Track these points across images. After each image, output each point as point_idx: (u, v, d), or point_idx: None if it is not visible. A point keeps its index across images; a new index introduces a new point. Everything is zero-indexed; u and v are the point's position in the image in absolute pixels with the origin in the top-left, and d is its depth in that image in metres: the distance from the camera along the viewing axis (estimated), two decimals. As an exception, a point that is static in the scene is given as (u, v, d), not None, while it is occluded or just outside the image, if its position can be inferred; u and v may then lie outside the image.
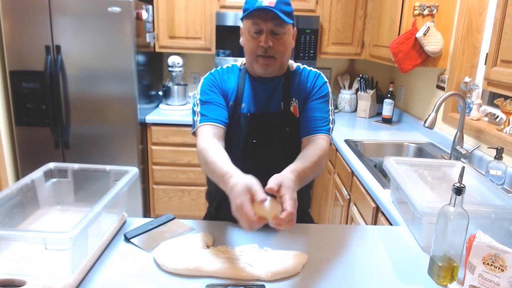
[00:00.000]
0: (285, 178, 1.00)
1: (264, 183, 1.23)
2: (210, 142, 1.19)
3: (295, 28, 1.32)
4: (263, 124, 1.32)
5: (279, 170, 1.25)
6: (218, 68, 1.39)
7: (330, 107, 1.35)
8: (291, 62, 1.38)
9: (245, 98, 1.33)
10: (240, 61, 1.40)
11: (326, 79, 1.37)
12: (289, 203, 0.94)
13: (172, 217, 1.28)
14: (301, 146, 1.29)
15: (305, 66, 1.39)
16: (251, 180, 0.97)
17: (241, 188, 0.95)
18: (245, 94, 1.33)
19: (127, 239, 1.15)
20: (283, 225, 0.94)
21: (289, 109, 1.32)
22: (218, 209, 1.43)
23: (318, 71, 1.38)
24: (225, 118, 1.29)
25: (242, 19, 1.26)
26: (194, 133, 1.30)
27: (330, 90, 1.37)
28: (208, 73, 1.38)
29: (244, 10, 1.24)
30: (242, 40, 1.31)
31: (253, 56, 1.26)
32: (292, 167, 1.09)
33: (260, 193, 0.94)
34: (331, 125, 1.32)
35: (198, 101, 1.31)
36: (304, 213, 1.46)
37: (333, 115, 1.35)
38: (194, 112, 1.32)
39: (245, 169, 1.21)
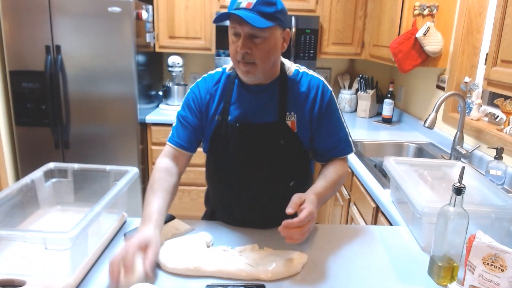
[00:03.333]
0: (307, 196, 1.09)
1: (258, 198, 1.26)
2: (163, 169, 1.24)
3: (287, 30, 1.19)
4: (255, 136, 1.23)
5: (274, 183, 1.27)
6: (208, 75, 1.31)
7: (342, 118, 1.30)
8: (289, 64, 1.27)
9: (234, 107, 1.24)
10: (230, 64, 1.28)
11: (330, 87, 1.28)
12: (303, 212, 1.01)
13: (172, 217, 1.28)
14: (324, 164, 1.31)
15: (305, 70, 1.27)
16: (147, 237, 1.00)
17: (139, 236, 1.00)
18: (234, 103, 1.24)
19: (127, 239, 1.15)
20: (293, 235, 1.02)
21: (284, 121, 1.22)
22: (215, 210, 1.41)
23: (320, 78, 1.27)
24: (191, 142, 1.28)
25: (214, 21, 1.16)
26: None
27: (335, 97, 1.29)
28: (195, 83, 1.32)
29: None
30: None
31: (234, 61, 1.18)
32: (314, 190, 1.15)
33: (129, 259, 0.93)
34: (350, 139, 1.31)
35: (177, 113, 1.32)
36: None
37: (346, 124, 1.31)
38: (173, 122, 1.33)
39: (239, 182, 1.25)
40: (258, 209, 1.27)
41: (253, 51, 1.12)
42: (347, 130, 1.31)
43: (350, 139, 1.31)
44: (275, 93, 1.23)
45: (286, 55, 3.01)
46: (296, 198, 1.05)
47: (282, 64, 1.26)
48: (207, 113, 1.26)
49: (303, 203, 1.05)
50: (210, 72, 1.32)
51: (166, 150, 1.30)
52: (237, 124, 1.22)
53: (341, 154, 1.29)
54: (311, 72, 1.28)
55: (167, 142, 1.30)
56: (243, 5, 1.09)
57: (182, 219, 1.29)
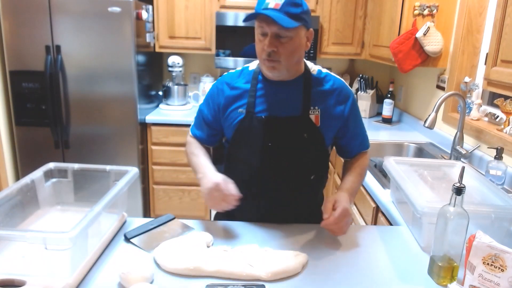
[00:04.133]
0: (339, 195, 1.19)
1: (279, 191, 1.32)
2: (191, 140, 1.42)
3: (311, 30, 1.23)
4: (279, 128, 1.27)
5: (296, 175, 1.32)
6: (228, 73, 1.36)
7: (360, 115, 1.40)
8: (311, 65, 1.33)
9: (259, 101, 1.29)
10: (253, 64, 1.36)
11: (350, 88, 1.37)
12: (337, 211, 1.12)
13: (172, 217, 1.28)
14: (350, 159, 1.42)
15: (327, 71, 1.34)
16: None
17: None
18: (259, 97, 1.29)
19: (127, 239, 1.15)
20: (336, 230, 1.16)
21: (308, 115, 1.26)
22: (229, 211, 1.41)
23: (342, 79, 1.35)
24: (209, 138, 1.41)
25: (243, 21, 1.23)
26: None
27: (355, 96, 1.37)
28: (220, 78, 1.38)
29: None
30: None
31: (260, 58, 1.23)
32: (345, 186, 1.29)
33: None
34: (366, 134, 1.43)
35: (199, 105, 1.42)
36: (318, 210, 1.45)
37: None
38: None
39: (262, 174, 1.31)
40: (279, 203, 1.33)
41: (279, 50, 1.17)
42: (364, 126, 1.43)
43: (366, 134, 1.44)
44: (299, 88, 1.28)
45: (286, 55, 3.01)
46: (328, 203, 1.16)
47: (305, 64, 1.32)
48: (227, 108, 1.32)
49: (335, 203, 1.15)
50: (230, 71, 1.38)
51: (188, 135, 1.45)
52: (263, 117, 1.27)
53: (363, 149, 1.43)
54: (333, 73, 1.36)
55: (190, 133, 1.45)
56: (271, 5, 1.13)
57: (182, 219, 1.29)
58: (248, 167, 1.31)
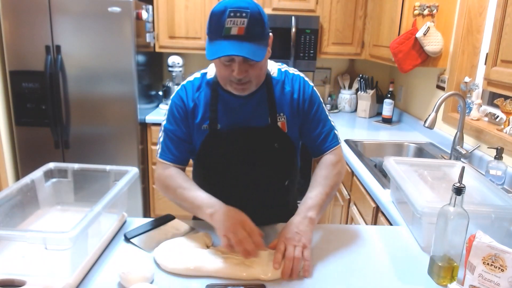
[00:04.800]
0: (294, 226, 1.08)
1: (253, 200, 1.25)
2: (173, 171, 1.22)
3: (271, 35, 1.12)
4: (247, 141, 1.22)
5: (270, 184, 1.27)
6: (187, 83, 1.25)
7: (326, 112, 1.28)
8: (271, 64, 1.25)
9: (221, 115, 1.20)
10: (211, 69, 1.24)
11: (311, 83, 1.27)
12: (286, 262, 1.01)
13: (172, 217, 1.28)
14: (316, 166, 1.28)
15: (286, 69, 1.26)
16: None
17: (235, 210, 1.06)
18: (221, 111, 1.21)
19: (127, 239, 1.15)
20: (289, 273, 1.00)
21: (276, 123, 1.21)
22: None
23: (301, 75, 1.27)
24: (184, 157, 1.26)
25: (207, 53, 1.05)
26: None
27: (318, 93, 1.28)
28: (178, 90, 1.26)
29: (209, 36, 1.05)
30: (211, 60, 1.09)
31: (225, 81, 1.12)
32: (310, 203, 1.14)
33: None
34: (335, 131, 1.29)
35: (162, 127, 1.26)
36: (294, 206, 1.42)
37: (330, 116, 1.30)
38: (159, 138, 1.27)
39: (233, 192, 1.22)
40: (255, 211, 1.22)
41: (249, 73, 1.09)
42: (332, 123, 1.30)
43: (336, 132, 1.30)
44: (263, 97, 1.21)
45: (286, 55, 3.01)
46: (278, 253, 1.03)
47: None
48: (193, 121, 1.22)
49: (286, 242, 1.04)
50: (188, 79, 1.26)
51: (160, 167, 1.25)
52: (228, 132, 1.20)
53: (329, 147, 1.27)
54: (291, 70, 1.28)
55: (159, 159, 1.25)
56: (234, 31, 1.00)
57: (182, 219, 1.29)
58: (216, 181, 1.26)
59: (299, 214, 1.12)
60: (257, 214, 1.21)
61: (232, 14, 0.99)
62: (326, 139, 1.26)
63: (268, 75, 1.23)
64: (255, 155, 1.23)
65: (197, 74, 1.26)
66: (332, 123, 1.29)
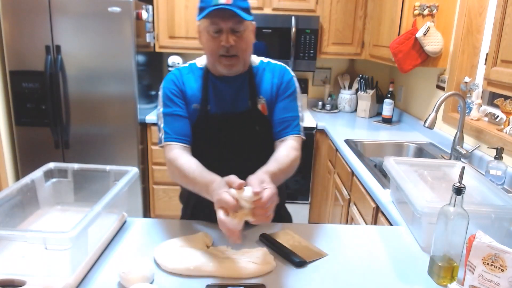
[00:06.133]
0: (262, 175, 1.02)
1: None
2: (181, 154, 1.21)
3: (254, 23, 1.26)
4: (232, 125, 1.29)
5: (252, 170, 1.23)
6: (175, 69, 1.34)
7: (298, 103, 1.32)
8: (254, 57, 1.34)
9: (211, 99, 1.29)
10: (200, 60, 1.35)
11: (292, 73, 1.34)
12: (267, 193, 0.94)
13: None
14: (275, 149, 1.27)
15: (269, 60, 1.35)
16: (228, 176, 1.01)
17: (218, 182, 1.02)
18: (210, 95, 1.29)
19: None
20: (261, 216, 0.95)
21: (256, 107, 1.29)
22: (194, 210, 1.40)
23: (284, 65, 1.35)
24: (189, 132, 1.27)
25: (199, 19, 1.19)
26: (162, 146, 1.28)
27: (297, 84, 1.34)
28: (166, 77, 1.32)
29: (200, 9, 1.18)
30: (201, 40, 1.25)
31: (215, 57, 1.22)
32: (265, 169, 1.10)
33: (236, 180, 0.97)
34: (301, 124, 1.31)
35: (161, 114, 1.28)
36: (281, 207, 1.44)
37: (301, 111, 1.33)
38: (158, 127, 1.29)
39: (218, 172, 1.18)
40: None
41: (236, 44, 1.19)
42: (300, 114, 1.32)
43: (301, 124, 1.31)
44: (244, 82, 1.30)
45: (286, 55, 3.01)
46: (255, 179, 0.99)
47: None
48: (187, 98, 1.29)
49: (263, 182, 0.99)
50: (177, 67, 1.36)
51: (169, 148, 1.24)
52: (218, 116, 1.28)
53: (290, 132, 1.27)
54: (274, 61, 1.36)
55: (165, 142, 1.25)
56: (222, 0, 1.14)
57: (182, 219, 1.29)
58: (206, 164, 1.22)
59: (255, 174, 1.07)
60: None
61: None
62: (290, 125, 1.29)
63: (250, 64, 1.32)
64: (238, 138, 1.30)
65: (185, 64, 1.37)
66: (300, 114, 1.32)
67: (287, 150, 1.23)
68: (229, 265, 1.01)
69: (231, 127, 1.29)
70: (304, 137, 1.33)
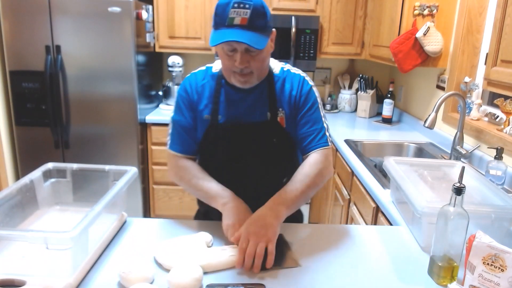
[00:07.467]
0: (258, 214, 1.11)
1: (251, 197, 1.24)
2: (183, 162, 1.29)
3: (274, 30, 1.18)
4: (247, 135, 1.25)
5: (268, 181, 1.27)
6: (192, 74, 1.31)
7: (321, 113, 1.29)
8: (274, 63, 1.29)
9: (223, 108, 1.25)
10: (216, 64, 1.30)
11: (311, 83, 1.30)
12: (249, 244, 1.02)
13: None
14: (304, 160, 1.27)
15: (289, 68, 1.30)
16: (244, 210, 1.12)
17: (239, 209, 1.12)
18: (223, 103, 1.25)
19: None
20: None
21: (276, 119, 1.24)
22: (206, 215, 1.42)
23: (302, 74, 1.30)
24: (192, 148, 1.30)
25: (212, 44, 1.11)
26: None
27: (317, 93, 1.29)
28: (183, 82, 1.31)
29: (215, 24, 1.11)
30: (217, 48, 1.18)
31: (229, 72, 1.19)
32: (282, 197, 1.15)
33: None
34: (327, 133, 1.28)
35: (171, 119, 1.32)
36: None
37: (326, 120, 1.30)
38: (169, 127, 1.33)
39: (231, 184, 1.23)
40: (252, 208, 1.24)
41: (251, 64, 1.14)
42: (325, 124, 1.29)
43: (327, 133, 1.29)
44: (264, 92, 1.25)
45: (286, 55, 3.01)
46: (240, 252, 1.02)
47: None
48: (197, 110, 1.27)
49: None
50: (193, 72, 1.32)
51: (172, 158, 1.32)
52: (229, 125, 1.24)
53: (316, 146, 1.25)
54: (294, 69, 1.31)
55: (169, 150, 1.32)
56: (237, 21, 1.07)
57: (182, 219, 1.29)
58: (217, 175, 1.26)
59: (267, 206, 1.12)
60: (253, 210, 1.21)
61: (236, 5, 1.06)
62: (314, 138, 1.26)
63: (270, 72, 1.27)
64: (253, 149, 1.26)
65: (202, 67, 1.32)
66: (325, 124, 1.29)
67: (309, 168, 1.21)
68: (229, 260, 1.02)
69: (244, 138, 1.25)
70: (329, 145, 1.28)
